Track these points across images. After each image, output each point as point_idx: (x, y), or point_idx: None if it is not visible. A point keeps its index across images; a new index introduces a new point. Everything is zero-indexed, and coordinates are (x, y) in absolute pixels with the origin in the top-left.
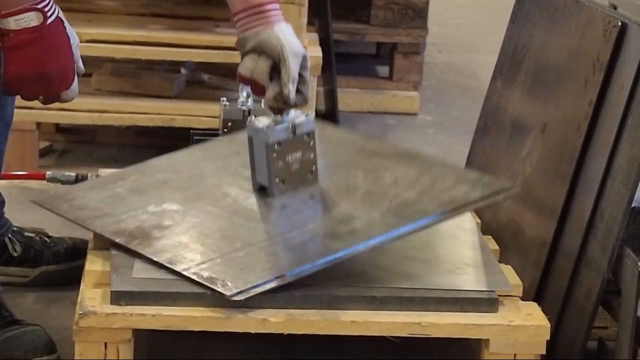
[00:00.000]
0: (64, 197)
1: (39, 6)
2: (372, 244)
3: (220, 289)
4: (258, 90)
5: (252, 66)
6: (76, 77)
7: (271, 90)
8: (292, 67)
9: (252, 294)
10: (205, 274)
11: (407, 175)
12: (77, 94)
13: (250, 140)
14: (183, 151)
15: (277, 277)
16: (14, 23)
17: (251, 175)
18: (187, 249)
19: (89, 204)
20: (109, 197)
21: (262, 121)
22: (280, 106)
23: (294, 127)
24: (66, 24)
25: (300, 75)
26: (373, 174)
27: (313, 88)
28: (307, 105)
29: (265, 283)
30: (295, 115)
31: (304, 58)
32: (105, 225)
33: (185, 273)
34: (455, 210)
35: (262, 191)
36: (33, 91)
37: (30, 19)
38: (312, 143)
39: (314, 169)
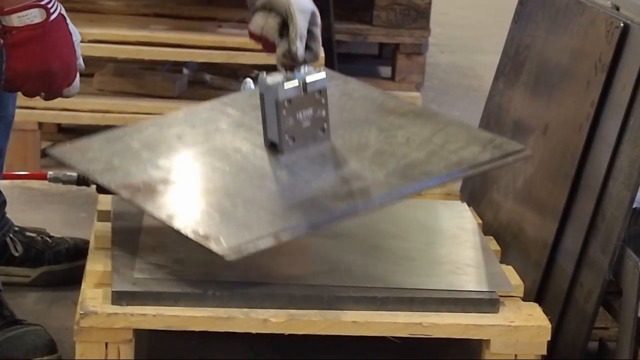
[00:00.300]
0: (78, 149)
1: (42, 3)
2: (372, 206)
3: (213, 247)
4: (269, 47)
5: (262, 23)
6: (77, 73)
7: (280, 47)
8: (300, 23)
9: (245, 253)
10: (202, 231)
11: (421, 134)
12: (78, 90)
13: (261, 97)
14: (203, 105)
15: (273, 235)
16: (17, 20)
17: (263, 131)
18: (188, 206)
19: (101, 156)
20: (122, 150)
21: (273, 78)
22: (289, 63)
23: (304, 85)
24: (68, 20)
25: (310, 31)
26: (387, 132)
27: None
28: (319, 62)
29: (259, 239)
30: (306, 73)
31: (313, 14)
32: (113, 179)
33: (181, 230)
34: (462, 172)
35: (272, 148)
36: (35, 88)
37: (34, 16)
38: (323, 100)
39: (325, 126)
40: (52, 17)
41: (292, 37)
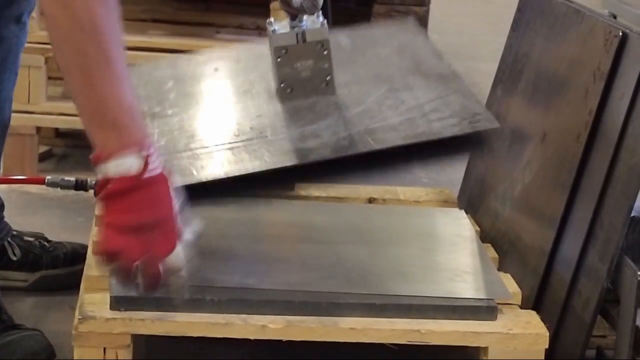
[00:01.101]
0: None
1: (143, 153)
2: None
3: None
4: None
5: None
6: (181, 245)
7: None
8: None
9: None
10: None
11: (420, 98)
12: (184, 265)
13: (269, 43)
14: (260, 44)
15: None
16: (113, 169)
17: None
18: (171, 137)
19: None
20: (166, 77)
21: (278, 25)
22: (289, 11)
23: (303, 34)
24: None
25: None
26: (393, 92)
27: None
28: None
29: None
30: (309, 23)
31: None
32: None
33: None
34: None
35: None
36: (131, 250)
37: (130, 165)
38: (325, 52)
39: (328, 79)
40: (151, 172)
41: None
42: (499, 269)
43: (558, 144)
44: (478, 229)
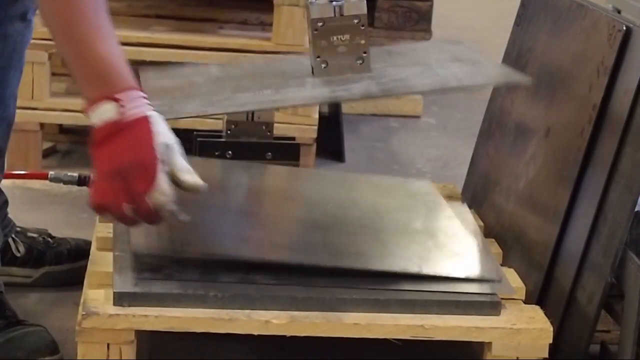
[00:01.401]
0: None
1: (117, 96)
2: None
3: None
4: None
5: None
6: (165, 177)
7: None
8: None
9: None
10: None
11: (447, 79)
12: (171, 199)
13: (306, 15)
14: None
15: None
16: (96, 118)
17: None
18: (193, 87)
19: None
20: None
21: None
22: None
23: (341, 8)
24: (162, 125)
25: None
26: (425, 67)
27: None
28: None
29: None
30: None
31: None
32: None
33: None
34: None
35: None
36: (115, 193)
37: (109, 111)
38: (363, 27)
39: (364, 55)
40: (130, 115)
41: None
42: (502, 264)
43: (562, 139)
44: (482, 224)
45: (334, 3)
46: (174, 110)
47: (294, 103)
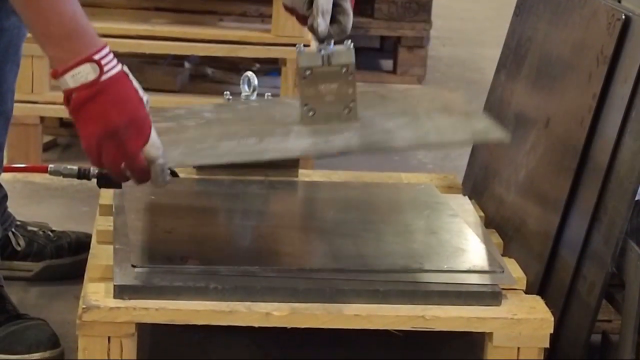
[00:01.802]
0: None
1: (95, 57)
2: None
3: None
4: (300, 19)
5: None
6: (154, 131)
7: (309, 21)
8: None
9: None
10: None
11: (436, 126)
12: (162, 151)
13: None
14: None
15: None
16: (71, 80)
17: None
18: (182, 131)
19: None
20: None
21: (303, 47)
22: (316, 37)
23: (328, 56)
24: (133, 80)
25: (338, 5)
26: (414, 120)
27: None
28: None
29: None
30: (336, 46)
31: None
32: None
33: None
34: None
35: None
36: (112, 155)
37: (87, 72)
38: (350, 77)
39: (351, 105)
40: (109, 73)
41: (314, 13)
42: (503, 255)
43: (562, 129)
44: (482, 214)
45: (323, 52)
46: None
47: (272, 156)
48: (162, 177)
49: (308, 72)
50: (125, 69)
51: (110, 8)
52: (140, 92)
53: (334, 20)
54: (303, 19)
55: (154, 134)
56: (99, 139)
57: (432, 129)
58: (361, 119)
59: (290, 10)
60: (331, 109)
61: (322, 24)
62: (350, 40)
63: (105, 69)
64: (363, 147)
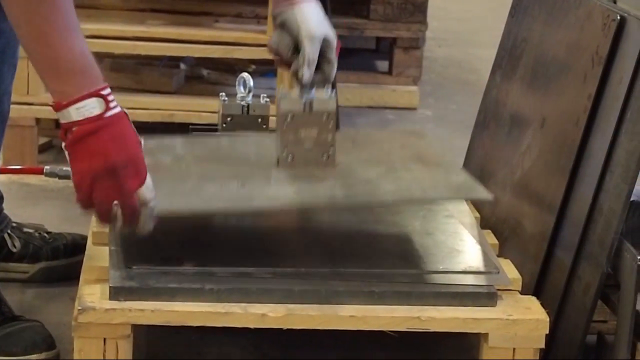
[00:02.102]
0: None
1: (102, 92)
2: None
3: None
4: (283, 64)
5: (278, 41)
6: (149, 176)
7: (293, 67)
8: (307, 50)
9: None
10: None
11: (416, 178)
12: (154, 195)
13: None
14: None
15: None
16: (75, 113)
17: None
18: (159, 169)
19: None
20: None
21: (286, 92)
22: (299, 85)
23: (310, 103)
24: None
25: (323, 55)
26: (392, 172)
27: None
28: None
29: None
30: (318, 93)
31: (326, 39)
32: None
33: None
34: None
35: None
36: (106, 192)
37: (92, 107)
38: (330, 125)
39: (330, 151)
40: (113, 110)
41: (301, 62)
42: (499, 255)
43: (557, 129)
44: (478, 215)
45: (304, 98)
46: None
47: (260, 208)
48: (149, 221)
49: (289, 117)
50: (125, 110)
51: (106, 9)
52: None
53: (318, 68)
54: (286, 64)
55: (149, 177)
56: (95, 174)
57: (412, 182)
58: (338, 166)
59: (275, 52)
60: (310, 155)
61: (307, 73)
62: (332, 88)
63: (111, 105)
64: (348, 203)
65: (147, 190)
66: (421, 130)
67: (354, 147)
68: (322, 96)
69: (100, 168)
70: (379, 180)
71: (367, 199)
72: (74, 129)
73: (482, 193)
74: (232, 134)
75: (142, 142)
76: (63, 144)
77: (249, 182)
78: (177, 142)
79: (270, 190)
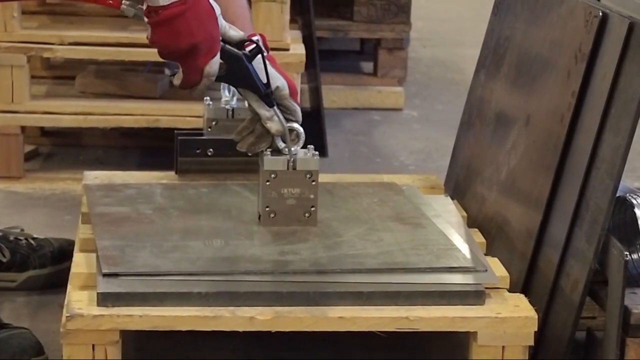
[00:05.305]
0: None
1: None
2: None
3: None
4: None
5: (252, 140)
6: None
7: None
8: (259, 111)
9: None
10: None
11: (397, 239)
12: (217, 69)
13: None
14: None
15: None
16: None
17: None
18: (141, 221)
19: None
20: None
21: (268, 150)
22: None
23: (294, 162)
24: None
25: (282, 105)
26: (373, 232)
27: (298, 84)
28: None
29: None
30: (301, 152)
31: (277, 89)
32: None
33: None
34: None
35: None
36: (180, 62)
37: None
38: (313, 183)
39: (312, 210)
40: None
41: (263, 121)
42: (486, 254)
43: (542, 127)
44: (465, 214)
45: (288, 157)
46: (126, 260)
47: (245, 268)
48: (204, 91)
49: (273, 176)
50: None
51: (88, 16)
52: (215, 8)
53: (287, 120)
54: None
55: (218, 55)
56: (178, 50)
57: (394, 244)
58: (319, 224)
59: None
60: (292, 213)
61: (273, 125)
62: (314, 150)
63: None
64: (332, 266)
65: (214, 64)
66: (395, 184)
67: (332, 201)
68: (306, 156)
69: (184, 46)
70: (359, 242)
71: (351, 265)
72: (160, 10)
73: (461, 261)
74: (208, 186)
75: (219, 13)
76: (146, 19)
77: (233, 241)
78: (156, 190)
79: (253, 249)
